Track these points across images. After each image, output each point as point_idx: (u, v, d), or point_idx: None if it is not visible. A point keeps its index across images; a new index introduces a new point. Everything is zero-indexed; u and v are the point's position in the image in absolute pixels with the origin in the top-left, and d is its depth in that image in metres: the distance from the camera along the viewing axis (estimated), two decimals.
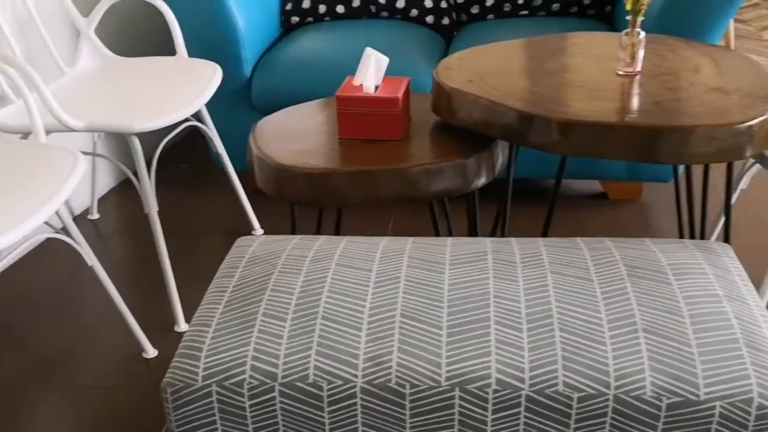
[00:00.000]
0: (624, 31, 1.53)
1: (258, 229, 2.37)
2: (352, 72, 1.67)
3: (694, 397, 1.00)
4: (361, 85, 1.54)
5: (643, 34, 1.51)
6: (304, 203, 1.49)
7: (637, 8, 1.46)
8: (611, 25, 2.51)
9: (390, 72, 2.18)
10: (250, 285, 1.23)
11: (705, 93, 1.45)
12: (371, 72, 1.52)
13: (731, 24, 3.78)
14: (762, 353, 1.05)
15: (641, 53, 1.53)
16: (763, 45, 3.92)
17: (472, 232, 1.73)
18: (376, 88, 1.55)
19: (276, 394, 1.06)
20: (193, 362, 1.09)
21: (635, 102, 1.43)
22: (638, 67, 1.54)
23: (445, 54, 2.45)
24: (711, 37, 2.04)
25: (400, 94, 1.51)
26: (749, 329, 1.09)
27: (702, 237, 1.86)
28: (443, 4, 2.58)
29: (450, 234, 1.98)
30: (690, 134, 1.32)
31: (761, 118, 1.35)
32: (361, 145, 1.54)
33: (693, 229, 1.93)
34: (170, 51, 2.28)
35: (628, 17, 1.50)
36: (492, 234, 1.96)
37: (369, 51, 1.54)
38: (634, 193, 2.46)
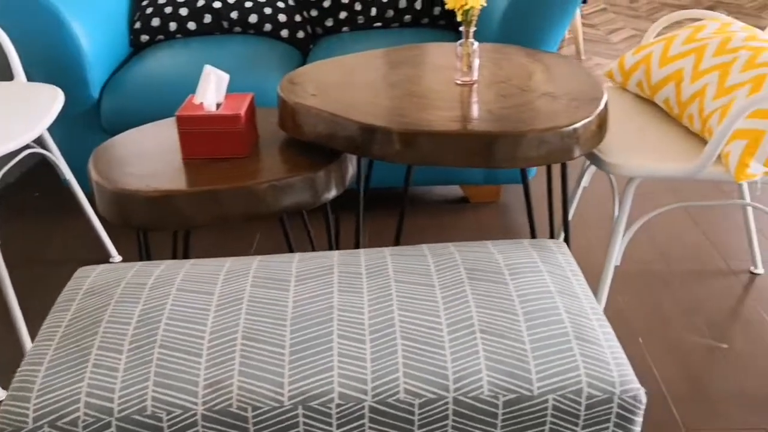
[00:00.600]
0: (459, 42, 1.57)
1: (116, 256, 2.28)
2: None
3: (528, 393, 1.04)
4: (202, 103, 1.51)
5: (476, 44, 1.56)
6: (149, 228, 1.45)
7: (468, 19, 1.51)
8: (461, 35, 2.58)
9: (244, 88, 2.16)
10: (86, 318, 1.18)
11: (536, 99, 1.52)
12: (211, 90, 1.50)
13: (580, 28, 3.99)
14: (591, 344, 1.11)
15: (476, 62, 1.58)
16: (611, 48, 4.16)
17: (331, 245, 1.74)
18: (218, 105, 1.53)
19: (113, 429, 1.02)
20: (23, 404, 1.03)
21: (471, 110, 1.47)
22: (475, 76, 1.59)
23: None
24: (548, 44, 2.15)
25: (242, 111, 1.50)
26: (579, 322, 1.15)
27: (552, 235, 1.94)
28: (297, 18, 2.58)
29: (312, 248, 1.97)
30: (521, 139, 1.38)
31: (586, 121, 1.43)
32: (205, 164, 1.51)
33: (553, 226, 2.01)
34: (8, 76, 2.16)
35: (462, 28, 1.55)
36: (355, 245, 1.97)
37: (208, 69, 1.51)
38: (492, 195, 2.54)
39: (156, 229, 1.44)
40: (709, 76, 1.57)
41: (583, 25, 4.53)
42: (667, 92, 1.67)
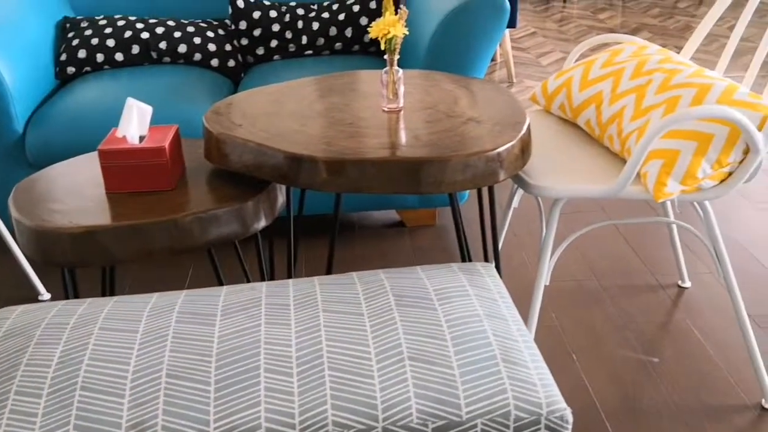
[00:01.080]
0: (384, 70, 1.59)
1: (44, 294, 2.21)
2: None
3: (457, 419, 1.04)
4: (125, 136, 1.48)
5: (401, 71, 1.58)
6: (72, 266, 1.41)
7: (391, 47, 1.53)
8: None
9: (173, 119, 2.14)
10: (3, 362, 1.13)
11: (461, 124, 1.54)
12: (134, 123, 1.48)
13: (510, 52, 4.07)
14: (517, 367, 1.12)
15: (402, 89, 1.60)
16: (541, 71, 4.26)
17: (263, 276, 1.72)
18: (142, 138, 1.51)
19: None
20: None
21: (397, 136, 1.49)
22: (401, 103, 1.61)
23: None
24: (475, 70, 2.19)
25: (166, 143, 1.48)
26: (506, 345, 1.16)
27: (486, 257, 1.97)
28: (228, 47, 2.57)
29: (246, 278, 1.95)
30: (446, 164, 1.40)
31: (509, 145, 1.45)
32: (129, 198, 1.48)
33: (486, 249, 2.03)
34: None
35: (386, 56, 1.56)
36: (287, 275, 1.95)
37: (131, 101, 1.49)
38: (428, 219, 2.56)
39: (79, 266, 1.41)
40: (627, 98, 1.62)
41: (514, 48, 4.64)
42: (588, 114, 1.72)
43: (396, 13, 1.54)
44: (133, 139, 1.47)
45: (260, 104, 1.68)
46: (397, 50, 1.54)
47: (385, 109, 1.62)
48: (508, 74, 4.10)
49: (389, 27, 1.50)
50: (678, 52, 4.43)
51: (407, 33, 1.54)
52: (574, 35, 4.92)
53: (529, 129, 1.54)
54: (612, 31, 4.97)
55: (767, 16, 5.05)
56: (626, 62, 1.72)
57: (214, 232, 1.45)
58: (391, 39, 1.51)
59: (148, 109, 1.51)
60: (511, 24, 3.98)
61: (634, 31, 4.92)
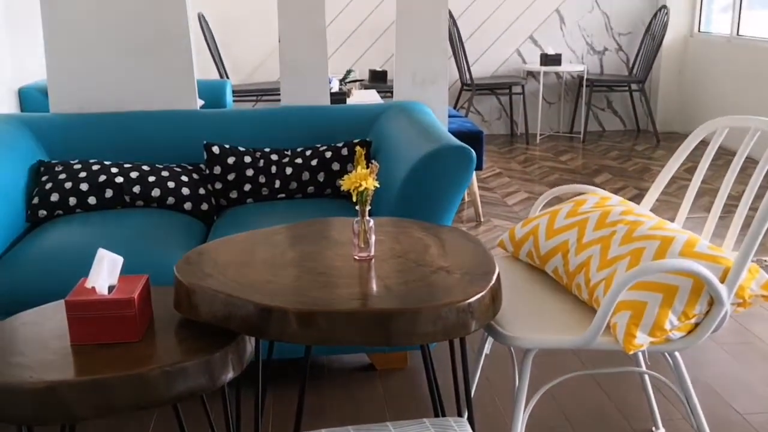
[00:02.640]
0: (355, 219, 1.62)
1: None
2: None
3: None
4: (94, 287, 1.47)
5: (372, 221, 1.61)
6: (30, 423, 1.35)
7: (363, 199, 1.57)
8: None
9: (143, 264, 2.13)
10: None
11: (431, 273, 1.56)
12: (104, 273, 1.47)
13: (477, 192, 4.19)
14: None
15: (373, 238, 1.62)
16: (508, 210, 4.37)
17: (230, 429, 1.66)
18: (111, 288, 1.50)
19: None
20: None
21: (368, 287, 1.49)
22: (372, 252, 1.63)
23: (205, 240, 2.45)
24: (445, 216, 2.24)
25: (135, 294, 1.46)
26: None
27: (458, 405, 1.93)
28: (201, 191, 2.62)
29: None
30: (417, 315, 1.40)
31: (479, 295, 1.46)
32: (95, 350, 1.45)
33: (459, 398, 2.00)
34: None
35: (357, 207, 1.60)
36: (255, 429, 1.89)
37: (101, 252, 1.49)
38: (399, 362, 2.53)
39: (38, 424, 1.35)
40: (592, 248, 1.66)
41: (481, 188, 4.77)
42: (555, 262, 1.75)
43: (367, 167, 1.59)
44: (102, 290, 1.46)
45: (232, 253, 1.69)
46: (369, 202, 1.58)
47: (357, 258, 1.63)
48: (476, 214, 4.20)
49: (361, 180, 1.54)
50: (638, 194, 4.60)
51: (378, 186, 1.59)
52: (538, 176, 5.09)
53: (498, 278, 1.56)
54: (573, 172, 5.16)
55: (721, 159, 5.30)
56: (590, 213, 1.77)
57: (181, 386, 1.41)
58: (362, 192, 1.55)
59: (118, 260, 1.51)
60: (478, 166, 4.13)
61: (594, 173, 5.12)
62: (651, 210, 2.01)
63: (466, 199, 4.53)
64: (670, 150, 5.72)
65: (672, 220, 3.37)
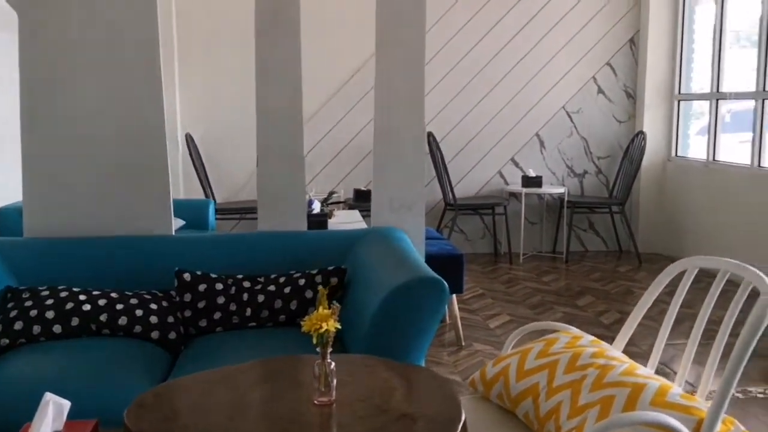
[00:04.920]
0: (316, 362, 1.57)
1: None
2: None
3: None
4: None
5: (333, 364, 1.56)
6: None
7: (323, 341, 1.52)
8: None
9: (97, 403, 2.04)
10: None
11: (393, 422, 1.49)
12: (48, 419, 1.40)
13: (458, 315, 4.13)
14: None
15: (334, 382, 1.56)
16: (490, 333, 4.30)
17: None
18: None
19: None
20: None
21: None
22: (333, 395, 1.57)
23: (170, 370, 2.37)
24: (417, 349, 2.18)
25: None
26: None
27: None
28: (170, 319, 2.56)
29: None
30: None
31: None
32: None
33: None
34: None
35: (319, 348, 1.55)
36: None
37: (47, 397, 1.43)
38: None
39: None
40: (563, 393, 1.60)
41: (463, 310, 4.72)
42: (526, 406, 1.69)
43: (329, 307, 1.55)
44: None
45: (190, 394, 1.62)
46: (330, 343, 1.53)
47: (317, 403, 1.57)
48: (457, 337, 4.12)
49: (322, 321, 1.50)
50: (620, 318, 4.55)
51: (339, 327, 1.54)
52: (521, 297, 5.05)
53: (465, 426, 1.50)
54: (556, 294, 5.13)
55: (702, 282, 5.29)
56: (561, 354, 1.73)
57: None
58: (323, 333, 1.51)
59: (65, 405, 1.44)
60: (458, 290, 4.09)
61: (577, 295, 5.09)
62: (632, 335, 1.97)
63: (448, 321, 4.47)
64: (651, 272, 5.72)
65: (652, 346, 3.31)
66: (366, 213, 5.16)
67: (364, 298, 2.38)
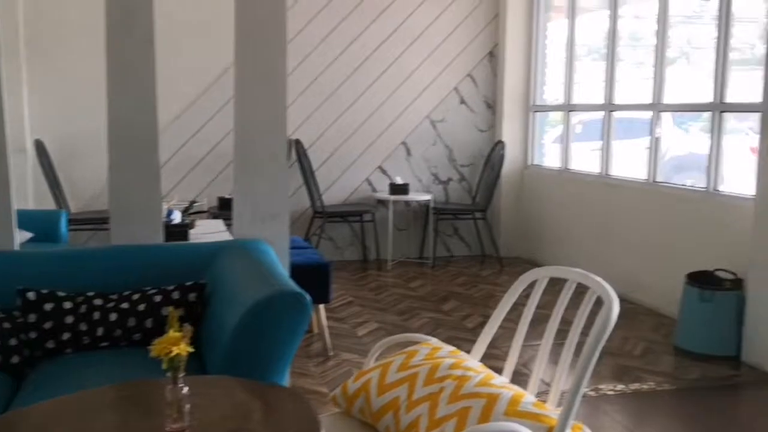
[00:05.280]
0: (168, 387, 1.49)
1: None
2: None
3: None
4: None
5: (186, 388, 1.49)
6: None
7: (175, 365, 1.45)
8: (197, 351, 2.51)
9: None
10: None
11: None
12: None
13: (325, 325, 4.10)
14: None
15: (187, 407, 1.49)
16: (358, 342, 4.30)
17: None
18: None
19: None
20: None
21: None
22: (186, 422, 1.50)
23: (13, 397, 2.19)
24: (278, 367, 2.13)
25: None
26: None
27: None
28: (12, 342, 2.37)
29: None
30: None
31: None
32: None
33: None
34: None
35: (170, 373, 1.47)
36: None
37: None
38: None
39: None
40: (421, 406, 1.61)
41: (331, 318, 4.70)
42: (387, 421, 1.69)
43: (180, 330, 1.48)
44: None
45: (31, 426, 1.50)
46: (181, 368, 1.46)
47: (168, 431, 1.49)
48: (324, 347, 4.10)
49: (172, 345, 1.43)
50: (483, 321, 4.68)
51: (191, 350, 1.48)
52: (389, 303, 5.10)
53: None
54: (423, 299, 5.22)
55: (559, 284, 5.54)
56: (420, 366, 1.74)
57: None
58: (173, 357, 1.43)
59: None
60: (325, 299, 4.07)
61: (442, 300, 5.20)
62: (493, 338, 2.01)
63: (315, 331, 4.43)
64: (512, 275, 5.94)
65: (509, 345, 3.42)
66: (231, 222, 5.04)
67: (225, 315, 2.31)
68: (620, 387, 3.58)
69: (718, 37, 4.41)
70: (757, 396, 3.61)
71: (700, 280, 4.08)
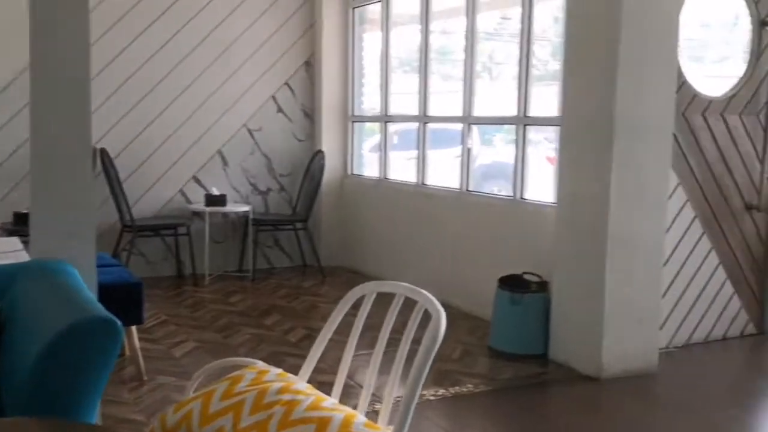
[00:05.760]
0: None
1: None
2: None
3: None
4: None
5: None
6: None
7: None
8: None
9: None
10: None
11: None
12: None
13: (138, 347, 3.84)
14: None
15: None
16: (175, 364, 4.07)
17: None
18: None
19: None
20: None
21: None
22: None
23: None
24: (87, 402, 1.94)
25: None
26: None
27: None
28: None
29: None
30: None
31: None
32: None
33: None
34: None
35: None
36: None
37: None
38: None
39: None
40: None
41: (144, 340, 4.41)
42: None
43: None
44: None
45: None
46: None
47: None
48: (138, 371, 3.84)
49: None
50: (307, 334, 4.62)
51: None
52: (208, 321, 4.89)
53: None
54: (243, 314, 5.06)
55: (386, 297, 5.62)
56: (246, 392, 1.65)
57: None
58: None
59: None
60: (137, 320, 3.81)
61: (264, 314, 5.07)
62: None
63: (127, 354, 4.14)
64: (334, 286, 5.94)
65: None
66: (28, 240, 4.60)
67: (24, 347, 2.06)
68: (441, 392, 3.67)
69: (520, 55, 4.68)
70: (563, 392, 3.86)
71: (511, 283, 4.30)
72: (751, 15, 4.48)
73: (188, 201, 6.14)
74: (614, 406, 3.69)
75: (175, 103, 6.01)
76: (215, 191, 5.99)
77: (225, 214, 6.23)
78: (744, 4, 4.46)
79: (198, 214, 6.07)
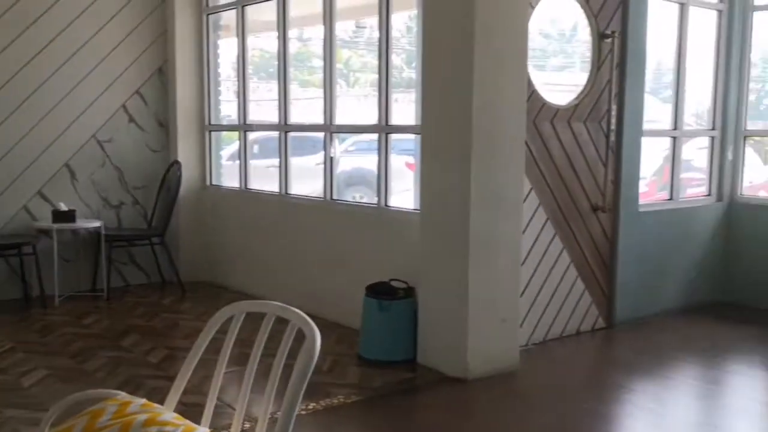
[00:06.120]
0: None
1: None
2: None
3: None
4: None
5: None
6: None
7: None
8: None
9: None
10: None
11: None
12: None
13: None
14: None
15: None
16: (25, 395, 3.77)
17: None
18: None
19: None
20: None
21: None
22: None
23: None
24: None
25: None
26: None
27: None
28: None
29: None
30: None
31: None
32: None
33: None
34: None
35: None
36: None
37: None
38: None
39: None
40: None
41: None
42: None
43: None
44: None
45: None
46: None
47: None
48: None
49: None
50: (169, 354, 4.43)
51: None
52: (60, 346, 4.57)
53: None
54: (99, 337, 4.77)
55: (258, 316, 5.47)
56: (108, 427, 1.54)
57: None
58: None
59: None
60: None
61: (122, 335, 4.81)
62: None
63: None
64: (195, 301, 5.74)
65: (209, 377, 3.27)
66: None
67: None
68: (312, 405, 3.63)
69: (380, 63, 4.73)
70: (432, 395, 3.92)
71: (378, 290, 4.33)
72: (591, 27, 4.77)
73: (33, 218, 5.73)
74: (480, 406, 3.80)
75: (16, 113, 5.59)
76: (63, 206, 5.62)
77: (75, 231, 5.86)
78: (584, 15, 4.74)
79: (45, 232, 5.66)
